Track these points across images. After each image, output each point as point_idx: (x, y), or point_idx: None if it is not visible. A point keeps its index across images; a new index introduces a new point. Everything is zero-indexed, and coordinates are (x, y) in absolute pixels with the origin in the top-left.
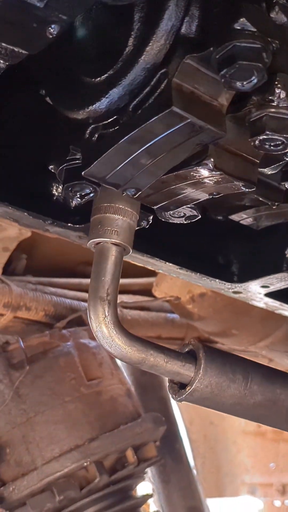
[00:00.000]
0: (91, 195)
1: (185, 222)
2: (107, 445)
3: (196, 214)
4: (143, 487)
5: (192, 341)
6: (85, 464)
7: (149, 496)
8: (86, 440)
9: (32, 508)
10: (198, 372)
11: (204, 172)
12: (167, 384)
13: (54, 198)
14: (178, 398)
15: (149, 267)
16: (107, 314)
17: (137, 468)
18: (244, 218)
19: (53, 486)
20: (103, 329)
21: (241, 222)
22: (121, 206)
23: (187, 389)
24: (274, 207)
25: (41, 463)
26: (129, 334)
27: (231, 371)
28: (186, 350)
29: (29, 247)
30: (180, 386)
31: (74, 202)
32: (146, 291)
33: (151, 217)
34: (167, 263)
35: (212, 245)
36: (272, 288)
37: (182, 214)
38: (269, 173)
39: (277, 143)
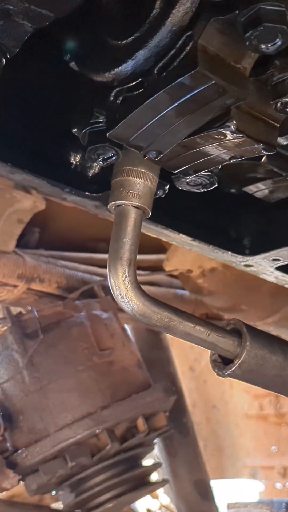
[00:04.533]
0: (113, 158)
1: (202, 190)
2: (119, 413)
3: (214, 181)
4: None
5: (233, 320)
6: (97, 431)
7: (158, 465)
8: (98, 408)
9: (44, 474)
10: (245, 345)
11: (226, 135)
12: (210, 363)
13: (72, 166)
14: (226, 372)
15: (163, 238)
16: (127, 275)
17: (147, 437)
18: (258, 190)
19: (65, 453)
20: (121, 289)
21: (255, 194)
22: (142, 170)
23: (235, 362)
24: None
25: (53, 430)
26: (148, 296)
27: (270, 344)
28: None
29: (42, 222)
30: (224, 362)
31: (96, 166)
32: (157, 268)
33: (167, 187)
34: (180, 234)
35: (224, 218)
36: (283, 262)
37: (199, 183)
38: (285, 143)
39: None
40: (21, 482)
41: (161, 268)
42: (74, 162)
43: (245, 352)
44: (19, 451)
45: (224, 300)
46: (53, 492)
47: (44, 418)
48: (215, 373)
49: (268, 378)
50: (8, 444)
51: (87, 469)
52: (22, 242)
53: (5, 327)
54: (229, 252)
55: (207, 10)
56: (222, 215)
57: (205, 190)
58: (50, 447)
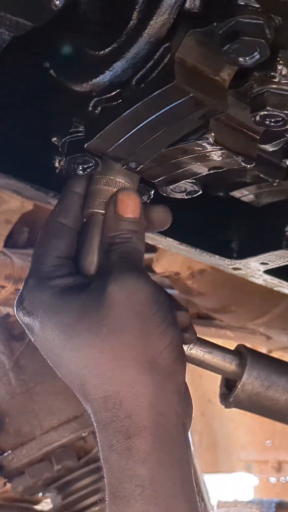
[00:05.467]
0: (93, 167)
1: (186, 197)
2: None
3: (197, 189)
4: None
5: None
6: (83, 434)
7: None
8: (85, 411)
9: (30, 476)
10: (246, 362)
11: (204, 146)
12: (219, 397)
13: (57, 171)
14: (231, 399)
15: (149, 242)
16: None
17: None
18: (245, 195)
19: (52, 456)
20: None
21: (242, 198)
22: (117, 179)
23: (237, 384)
24: (275, 184)
25: (40, 432)
26: None
27: (276, 365)
28: None
29: (30, 221)
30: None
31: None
32: (147, 267)
33: (152, 192)
34: (167, 238)
35: (212, 221)
36: (271, 265)
37: (183, 189)
38: (270, 150)
39: (278, 119)
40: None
41: (151, 267)
42: (58, 166)
43: (246, 371)
44: (5, 453)
45: (214, 301)
46: (40, 494)
47: (30, 421)
48: (224, 407)
49: (281, 404)
50: None
51: (74, 471)
52: (11, 242)
53: None
54: (217, 256)
55: (185, 22)
56: (209, 218)
57: (190, 197)
58: (36, 450)
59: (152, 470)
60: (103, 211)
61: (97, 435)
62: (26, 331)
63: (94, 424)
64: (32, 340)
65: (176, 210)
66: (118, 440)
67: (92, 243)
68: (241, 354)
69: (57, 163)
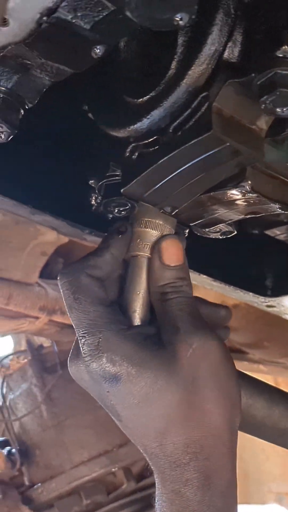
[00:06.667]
0: (129, 210)
1: (221, 237)
2: (135, 452)
3: (232, 229)
4: None
5: None
6: (113, 469)
7: None
8: (115, 446)
9: (59, 510)
10: None
11: (240, 194)
12: None
13: (93, 208)
14: None
15: None
16: None
17: None
18: (278, 234)
19: (81, 490)
20: None
21: (276, 237)
22: (157, 221)
23: None
24: None
25: (69, 466)
26: None
27: (257, 386)
28: None
29: (65, 252)
30: None
31: (112, 216)
32: None
33: (187, 231)
34: (201, 275)
35: (246, 258)
36: None
37: (218, 230)
38: None
39: None
40: None
41: None
42: (94, 204)
43: None
44: (35, 486)
45: (247, 336)
46: None
47: (60, 454)
48: None
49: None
50: (25, 479)
51: (103, 506)
52: (46, 272)
53: (25, 360)
54: (251, 293)
55: (223, 72)
56: (244, 255)
57: (224, 237)
58: (66, 484)
59: (227, 502)
60: (145, 254)
61: (168, 471)
62: (101, 383)
63: (166, 463)
64: (106, 391)
65: (210, 247)
66: (197, 477)
67: (137, 288)
68: None
69: (93, 201)
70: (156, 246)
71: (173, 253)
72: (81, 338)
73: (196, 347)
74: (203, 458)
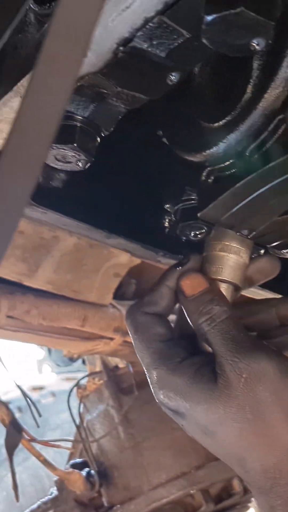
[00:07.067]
0: (205, 234)
1: None
2: (214, 473)
3: None
4: None
5: None
6: (191, 491)
7: None
8: (193, 468)
9: None
10: None
11: None
12: None
13: (166, 230)
14: None
15: (256, 297)
16: None
17: (243, 498)
18: None
19: None
20: None
21: None
22: (235, 245)
23: None
24: None
25: (148, 488)
26: None
27: None
28: None
29: (138, 273)
30: None
31: (186, 239)
32: None
33: (262, 251)
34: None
35: None
36: None
37: None
38: None
39: None
40: None
41: None
42: (168, 226)
43: None
44: (114, 508)
45: None
46: None
47: (139, 475)
48: None
49: None
50: (104, 500)
51: None
52: (119, 293)
53: (101, 381)
54: None
55: None
56: None
57: None
58: (145, 505)
59: None
60: (223, 278)
61: (256, 496)
62: (173, 417)
63: (254, 489)
64: (180, 425)
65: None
66: (281, 503)
67: None
68: None
69: (167, 223)
70: (177, 288)
71: (191, 284)
72: (146, 373)
73: (247, 375)
74: (284, 483)
